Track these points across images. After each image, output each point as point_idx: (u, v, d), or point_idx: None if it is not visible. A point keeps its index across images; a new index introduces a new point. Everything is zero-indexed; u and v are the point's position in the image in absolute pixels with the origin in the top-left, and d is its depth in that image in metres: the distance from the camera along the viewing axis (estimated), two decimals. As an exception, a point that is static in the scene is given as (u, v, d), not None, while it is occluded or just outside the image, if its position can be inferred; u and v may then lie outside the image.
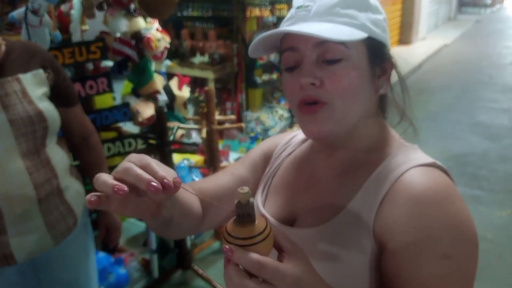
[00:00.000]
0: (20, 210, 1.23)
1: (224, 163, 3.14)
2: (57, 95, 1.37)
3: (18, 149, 1.23)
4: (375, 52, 0.73)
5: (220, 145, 3.71)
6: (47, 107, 1.30)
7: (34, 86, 1.28)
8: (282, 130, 4.65)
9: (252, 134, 4.57)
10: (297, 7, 0.73)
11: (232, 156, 4.12)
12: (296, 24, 0.71)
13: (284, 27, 0.73)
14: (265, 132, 4.55)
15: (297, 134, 0.93)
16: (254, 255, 0.52)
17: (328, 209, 0.75)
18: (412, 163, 0.71)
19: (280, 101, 5.01)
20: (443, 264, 0.62)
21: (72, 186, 1.41)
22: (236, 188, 0.86)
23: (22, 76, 1.27)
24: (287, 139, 0.93)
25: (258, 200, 0.87)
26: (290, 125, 4.81)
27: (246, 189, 0.53)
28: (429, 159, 0.72)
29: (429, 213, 0.65)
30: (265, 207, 0.85)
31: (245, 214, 0.53)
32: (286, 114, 4.79)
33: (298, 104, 0.72)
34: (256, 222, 0.54)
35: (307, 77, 0.69)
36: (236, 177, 0.90)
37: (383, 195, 0.69)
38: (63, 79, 1.40)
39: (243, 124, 2.89)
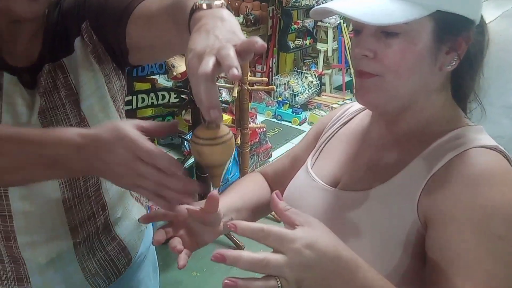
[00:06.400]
0: (47, 260, 0.93)
1: (251, 125, 3.19)
2: (108, 25, 0.88)
3: None
4: (445, 27, 0.68)
5: (248, 106, 3.76)
6: (95, 109, 0.90)
7: (80, 67, 0.89)
8: (310, 97, 4.65)
9: (280, 99, 4.59)
10: None
11: (259, 118, 4.15)
12: None
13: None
14: (293, 97, 4.57)
15: (352, 106, 0.93)
16: (257, 225, 0.55)
17: (376, 176, 0.74)
18: (472, 143, 0.69)
19: (310, 67, 4.98)
20: (497, 245, 0.61)
21: (129, 215, 1.06)
22: (290, 167, 0.93)
23: (66, 60, 0.89)
24: (341, 111, 0.94)
25: (308, 162, 0.89)
26: (319, 93, 4.80)
27: None
28: (491, 142, 0.70)
29: (484, 192, 0.63)
30: (313, 168, 0.87)
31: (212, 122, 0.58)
32: (315, 81, 4.77)
33: (356, 69, 0.74)
34: (220, 128, 0.59)
35: (361, 48, 0.70)
36: (290, 158, 0.97)
37: (435, 170, 0.68)
38: (101, 9, 0.89)
39: (274, 87, 2.91)
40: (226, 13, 0.62)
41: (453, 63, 0.71)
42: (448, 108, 0.76)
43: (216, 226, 0.75)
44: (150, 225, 1.18)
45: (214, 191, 0.67)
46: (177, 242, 0.69)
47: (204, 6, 0.63)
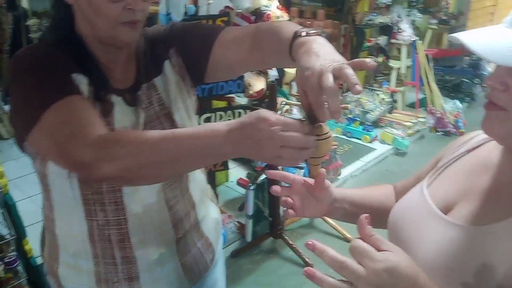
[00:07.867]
0: (156, 256, 1.04)
1: (322, 142, 3.20)
2: (195, 55, 1.04)
3: None
4: None
5: (318, 123, 3.76)
6: (184, 119, 1.06)
7: (169, 85, 1.05)
8: (381, 115, 4.58)
9: (350, 116, 4.57)
10: None
11: (328, 135, 4.15)
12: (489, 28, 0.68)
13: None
14: (364, 115, 4.52)
15: (480, 133, 0.89)
16: (337, 255, 0.60)
17: (493, 213, 0.71)
18: None
19: (382, 85, 4.92)
20: None
21: (210, 214, 1.19)
22: (413, 185, 0.93)
23: (157, 80, 1.04)
24: (468, 137, 0.92)
25: (425, 181, 0.88)
26: (390, 111, 4.72)
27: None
28: None
29: None
30: (428, 188, 0.86)
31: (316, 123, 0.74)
32: (387, 98, 4.70)
33: (486, 98, 0.73)
34: (323, 127, 0.74)
35: (492, 80, 0.69)
36: (415, 176, 0.99)
37: None
38: (188, 36, 1.06)
39: (349, 105, 2.92)
40: (323, 40, 0.78)
41: None
42: None
43: (325, 204, 0.92)
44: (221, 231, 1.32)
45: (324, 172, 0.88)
46: (289, 200, 0.91)
47: (304, 33, 0.81)
